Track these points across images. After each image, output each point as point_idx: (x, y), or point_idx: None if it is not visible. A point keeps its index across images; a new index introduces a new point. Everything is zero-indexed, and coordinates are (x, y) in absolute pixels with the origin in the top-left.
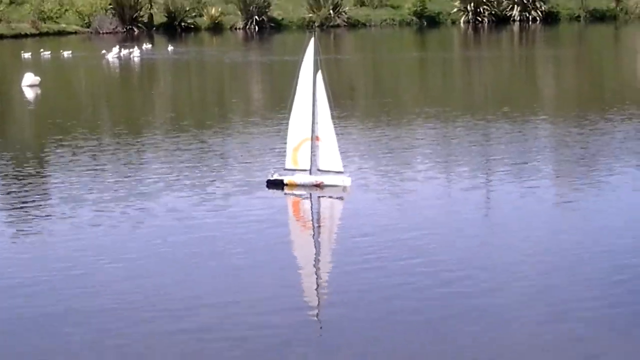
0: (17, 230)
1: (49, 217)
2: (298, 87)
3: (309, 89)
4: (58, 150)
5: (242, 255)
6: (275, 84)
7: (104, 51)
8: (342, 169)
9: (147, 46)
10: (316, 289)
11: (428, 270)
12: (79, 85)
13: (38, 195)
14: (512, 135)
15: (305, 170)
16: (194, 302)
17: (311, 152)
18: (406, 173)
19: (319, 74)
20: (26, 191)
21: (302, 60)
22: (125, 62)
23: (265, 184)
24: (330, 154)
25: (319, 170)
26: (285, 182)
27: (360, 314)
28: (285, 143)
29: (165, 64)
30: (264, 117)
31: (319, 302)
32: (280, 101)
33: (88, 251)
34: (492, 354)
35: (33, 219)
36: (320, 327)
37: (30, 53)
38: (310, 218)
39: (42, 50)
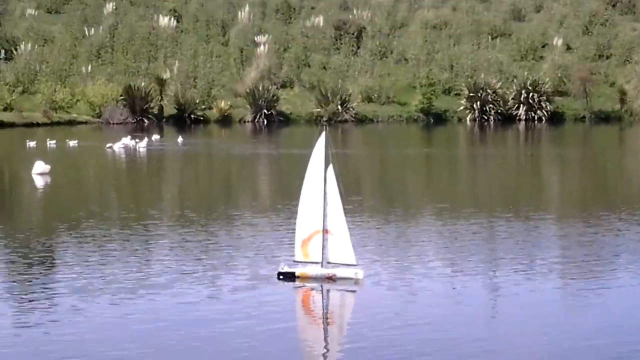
0: (20, 321)
1: (53, 309)
2: (308, 180)
3: (320, 181)
4: (66, 239)
5: (251, 348)
6: (283, 176)
7: (109, 144)
8: (354, 262)
9: (156, 137)
10: None
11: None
12: (87, 174)
13: (43, 285)
14: (518, 233)
15: (316, 262)
16: None
17: (322, 245)
18: (416, 268)
19: (330, 167)
20: (32, 280)
21: (313, 153)
22: (131, 153)
23: (276, 276)
24: (342, 247)
25: (329, 263)
26: (296, 274)
27: None
28: (295, 235)
29: (175, 155)
30: (273, 209)
31: None
32: (288, 194)
33: (92, 344)
34: None
35: (38, 310)
36: None
37: (35, 142)
38: (323, 311)
39: (48, 139)
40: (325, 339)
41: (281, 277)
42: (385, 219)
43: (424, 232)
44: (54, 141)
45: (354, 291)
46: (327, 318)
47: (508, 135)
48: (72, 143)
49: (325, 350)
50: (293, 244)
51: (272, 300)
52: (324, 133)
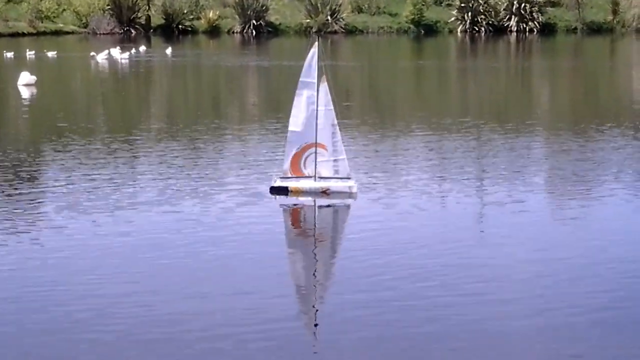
0: (3, 237)
1: (39, 224)
2: (299, 92)
3: (312, 94)
4: (52, 154)
5: (241, 264)
6: (273, 89)
7: (92, 53)
8: (349, 175)
9: (143, 48)
10: (313, 300)
11: (425, 284)
12: (74, 86)
13: (30, 201)
14: (509, 146)
15: (309, 177)
16: (188, 310)
17: (315, 159)
18: (409, 181)
19: (323, 79)
20: (18, 195)
21: (305, 65)
22: (116, 64)
23: (269, 190)
24: (335, 160)
25: (321, 177)
26: (290, 188)
27: (356, 327)
28: (286, 149)
29: (163, 67)
30: (264, 123)
31: (315, 312)
32: (279, 106)
33: (78, 260)
34: None
35: (23, 228)
36: (315, 337)
37: (12, 52)
38: (315, 226)
39: (27, 49)
40: (316, 259)
41: (274, 191)
42: (377, 132)
43: (415, 145)
44: (33, 52)
45: (348, 206)
46: (319, 235)
47: (499, 47)
48: (51, 54)
49: (316, 271)
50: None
51: (264, 216)
52: (316, 44)
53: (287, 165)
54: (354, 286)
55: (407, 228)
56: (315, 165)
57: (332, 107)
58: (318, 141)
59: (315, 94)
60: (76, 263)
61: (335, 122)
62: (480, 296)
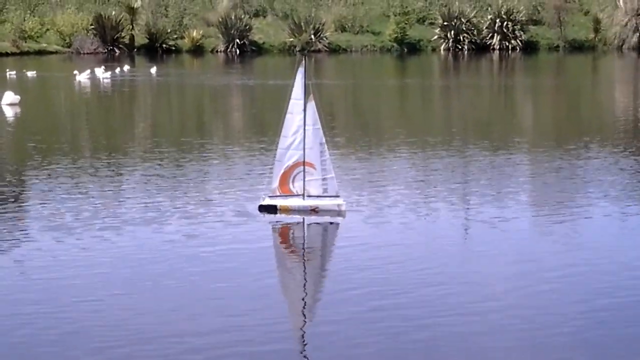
0: None
1: (24, 246)
2: (289, 111)
3: (300, 113)
4: (37, 173)
5: (229, 281)
6: (259, 108)
7: (75, 72)
8: (337, 193)
9: (127, 67)
10: (302, 318)
11: (412, 300)
12: (57, 105)
13: (11, 220)
14: (493, 163)
15: (298, 195)
16: (177, 329)
17: (304, 177)
18: (395, 199)
19: (311, 98)
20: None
21: (293, 84)
22: (98, 84)
23: (258, 209)
24: (324, 179)
25: (309, 196)
26: (278, 207)
27: (346, 341)
28: (274, 168)
29: (148, 86)
30: (250, 142)
31: (304, 328)
32: (265, 126)
33: (62, 281)
34: None
35: (6, 245)
36: (304, 356)
37: None
38: (304, 243)
39: (7, 69)
40: (306, 275)
41: (263, 210)
42: (364, 151)
43: (401, 163)
44: (14, 72)
45: (337, 223)
46: (309, 252)
47: (482, 65)
48: (30, 74)
49: (307, 287)
50: (273, 177)
51: (253, 234)
52: (303, 62)
53: (275, 183)
54: (343, 304)
55: (395, 245)
56: (304, 183)
57: (319, 125)
58: (306, 160)
59: (303, 112)
60: (60, 283)
61: (324, 140)
62: (466, 311)
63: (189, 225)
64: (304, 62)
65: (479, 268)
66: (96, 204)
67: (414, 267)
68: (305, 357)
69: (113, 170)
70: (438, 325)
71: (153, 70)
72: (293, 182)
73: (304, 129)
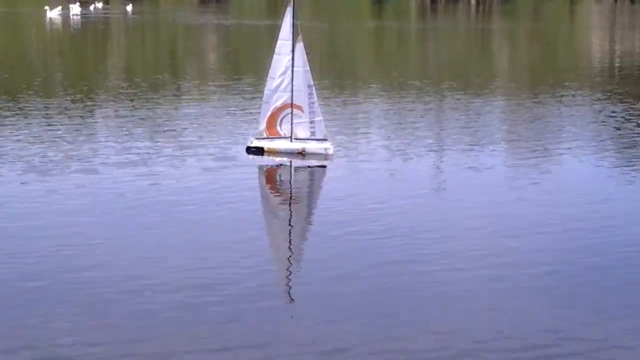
0: None
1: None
2: (278, 52)
3: (288, 54)
4: (11, 114)
5: (216, 224)
6: (235, 47)
7: (46, 7)
8: (325, 136)
9: (101, 4)
10: (288, 259)
11: (395, 247)
12: (28, 42)
13: None
14: (470, 108)
15: (285, 137)
16: (162, 276)
17: (291, 120)
18: (380, 143)
19: (300, 39)
20: None
21: (280, 24)
22: (70, 20)
23: (245, 150)
24: (312, 121)
25: (297, 139)
26: (265, 149)
27: (332, 291)
28: (262, 109)
29: (123, 25)
30: (228, 82)
31: (290, 271)
32: (242, 65)
33: (39, 224)
34: (453, 334)
35: None
36: (291, 298)
37: None
38: (291, 187)
39: None
40: (292, 220)
41: (250, 151)
42: (344, 94)
43: (382, 106)
44: None
45: (323, 166)
46: (295, 196)
47: (459, 9)
48: None
49: (291, 232)
50: (257, 119)
51: (240, 177)
52: (291, 3)
53: (263, 125)
54: (328, 250)
55: (379, 193)
56: (292, 126)
57: (308, 67)
58: (295, 102)
59: (291, 54)
60: (36, 227)
61: (312, 83)
62: (444, 259)
63: (173, 168)
64: (292, 1)
65: (452, 219)
66: (71, 146)
67: (394, 219)
68: (290, 298)
69: (87, 112)
70: (421, 274)
71: (129, 8)
72: (280, 124)
73: (292, 71)
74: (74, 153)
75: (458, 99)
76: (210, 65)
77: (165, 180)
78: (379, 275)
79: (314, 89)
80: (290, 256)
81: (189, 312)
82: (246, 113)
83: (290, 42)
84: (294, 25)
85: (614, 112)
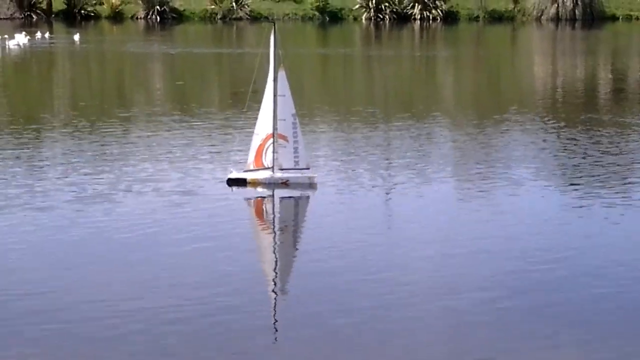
0: None
1: None
2: (268, 83)
3: (270, 84)
4: None
5: (198, 257)
6: (183, 77)
7: (6, 36)
8: (308, 165)
9: (47, 34)
10: (272, 293)
11: (381, 276)
12: None
13: None
14: (415, 135)
15: (268, 168)
16: (140, 304)
17: (274, 150)
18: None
19: (282, 67)
20: None
21: (271, 54)
22: (28, 50)
23: (226, 182)
24: (296, 151)
25: (282, 169)
26: (248, 180)
27: (315, 318)
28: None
29: (72, 54)
30: (184, 113)
31: (274, 305)
32: (192, 95)
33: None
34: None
35: None
36: (275, 328)
37: None
38: (275, 217)
39: None
40: (275, 252)
41: (231, 183)
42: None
43: (327, 135)
44: None
45: (307, 197)
46: (280, 227)
47: (403, 35)
48: None
49: (276, 264)
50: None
51: (223, 209)
52: (273, 30)
53: (251, 157)
54: (313, 279)
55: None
56: (275, 156)
57: (290, 95)
58: (279, 132)
59: (273, 83)
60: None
61: (294, 111)
62: (433, 289)
63: (151, 201)
64: (273, 29)
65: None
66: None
67: (383, 243)
68: (275, 330)
69: (50, 144)
70: (406, 306)
71: (76, 37)
72: (265, 154)
73: (274, 101)
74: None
75: (403, 127)
76: (161, 94)
77: (146, 213)
78: (368, 310)
79: (296, 117)
80: (274, 290)
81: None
82: (210, 144)
83: (272, 70)
84: (276, 53)
85: (557, 137)
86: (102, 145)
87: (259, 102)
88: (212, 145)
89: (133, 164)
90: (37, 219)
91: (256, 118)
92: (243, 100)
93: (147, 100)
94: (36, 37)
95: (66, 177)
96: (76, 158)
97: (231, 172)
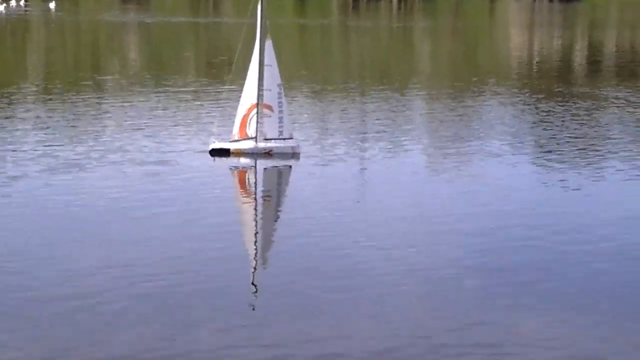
0: None
1: None
2: (255, 53)
3: (256, 54)
4: None
5: (181, 225)
6: (159, 45)
7: None
8: (291, 135)
9: (21, 2)
10: (254, 256)
11: (357, 244)
12: None
13: None
14: (393, 107)
15: (251, 138)
16: (123, 270)
17: (258, 120)
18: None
19: (269, 37)
20: None
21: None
22: (3, 18)
23: (209, 153)
24: (281, 120)
25: (266, 139)
26: (231, 150)
27: (293, 287)
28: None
29: (51, 22)
30: (164, 83)
31: (255, 266)
32: (166, 63)
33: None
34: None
35: None
36: (254, 296)
37: None
38: (257, 187)
39: None
40: (256, 221)
41: (214, 153)
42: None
43: (307, 105)
44: None
45: (290, 167)
46: (262, 197)
47: (381, 6)
48: None
49: (257, 233)
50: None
51: (205, 180)
52: (260, 2)
53: (236, 128)
54: (292, 249)
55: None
56: (259, 126)
57: (276, 65)
58: (265, 102)
59: (259, 54)
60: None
61: (280, 81)
62: (406, 259)
63: (136, 170)
64: (261, 0)
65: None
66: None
67: (359, 210)
68: (255, 297)
69: (34, 110)
70: (381, 272)
71: (52, 5)
72: (249, 124)
73: (260, 71)
74: (29, 157)
75: (380, 98)
76: (137, 64)
77: (129, 183)
78: (343, 278)
79: (282, 87)
80: (255, 259)
81: (152, 309)
82: (189, 114)
83: (258, 41)
84: (262, 24)
85: (535, 109)
86: (77, 114)
87: (237, 72)
88: (192, 116)
89: (109, 134)
90: (9, 187)
91: (236, 88)
92: (220, 69)
93: (122, 69)
94: (11, 5)
95: (39, 146)
96: (49, 127)
97: (214, 142)
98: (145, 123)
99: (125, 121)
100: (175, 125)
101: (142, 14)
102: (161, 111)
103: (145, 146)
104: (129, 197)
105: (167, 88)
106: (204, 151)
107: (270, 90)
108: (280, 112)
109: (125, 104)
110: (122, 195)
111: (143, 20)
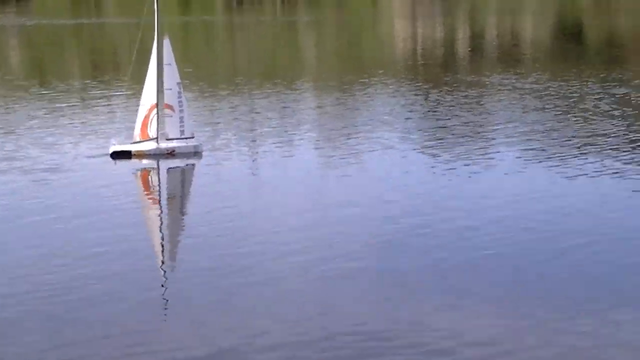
0: None
1: None
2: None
3: (153, 54)
4: None
5: (86, 230)
6: (45, 48)
7: None
8: (192, 134)
9: None
10: (161, 263)
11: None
12: None
13: None
14: (284, 103)
15: (153, 139)
16: (25, 279)
17: (159, 120)
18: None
19: (166, 36)
20: None
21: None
22: None
23: (110, 155)
24: (181, 120)
25: (168, 139)
26: (132, 152)
27: (203, 286)
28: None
29: None
30: (46, 86)
31: (164, 274)
32: (54, 68)
33: None
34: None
35: None
36: (165, 299)
37: None
38: (161, 188)
39: None
40: (163, 222)
41: (115, 156)
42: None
43: (200, 104)
44: None
45: (193, 166)
46: (167, 198)
47: (265, 1)
48: None
49: (164, 235)
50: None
51: (107, 184)
52: (154, 1)
53: (137, 130)
54: (199, 249)
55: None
56: (161, 126)
57: (174, 63)
58: (165, 101)
59: (158, 53)
60: None
61: (179, 80)
62: (307, 253)
63: (36, 175)
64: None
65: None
66: None
67: (261, 206)
68: (165, 300)
69: None
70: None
71: None
72: (150, 125)
73: (158, 71)
74: None
75: (267, 94)
76: (19, 68)
77: (26, 189)
78: (244, 277)
79: (181, 86)
80: (162, 261)
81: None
82: (82, 117)
83: (154, 40)
84: (159, 23)
85: (422, 98)
86: None
87: (125, 72)
88: (86, 120)
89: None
90: None
91: (127, 89)
92: (104, 70)
93: (2, 74)
94: None
95: None
96: None
97: (113, 144)
98: (32, 129)
99: (11, 127)
100: (66, 131)
101: (22, 16)
102: (49, 116)
103: (39, 152)
104: (21, 206)
105: (51, 93)
106: (103, 155)
107: (170, 89)
108: (181, 111)
109: (8, 109)
110: (13, 204)
111: (24, 23)
